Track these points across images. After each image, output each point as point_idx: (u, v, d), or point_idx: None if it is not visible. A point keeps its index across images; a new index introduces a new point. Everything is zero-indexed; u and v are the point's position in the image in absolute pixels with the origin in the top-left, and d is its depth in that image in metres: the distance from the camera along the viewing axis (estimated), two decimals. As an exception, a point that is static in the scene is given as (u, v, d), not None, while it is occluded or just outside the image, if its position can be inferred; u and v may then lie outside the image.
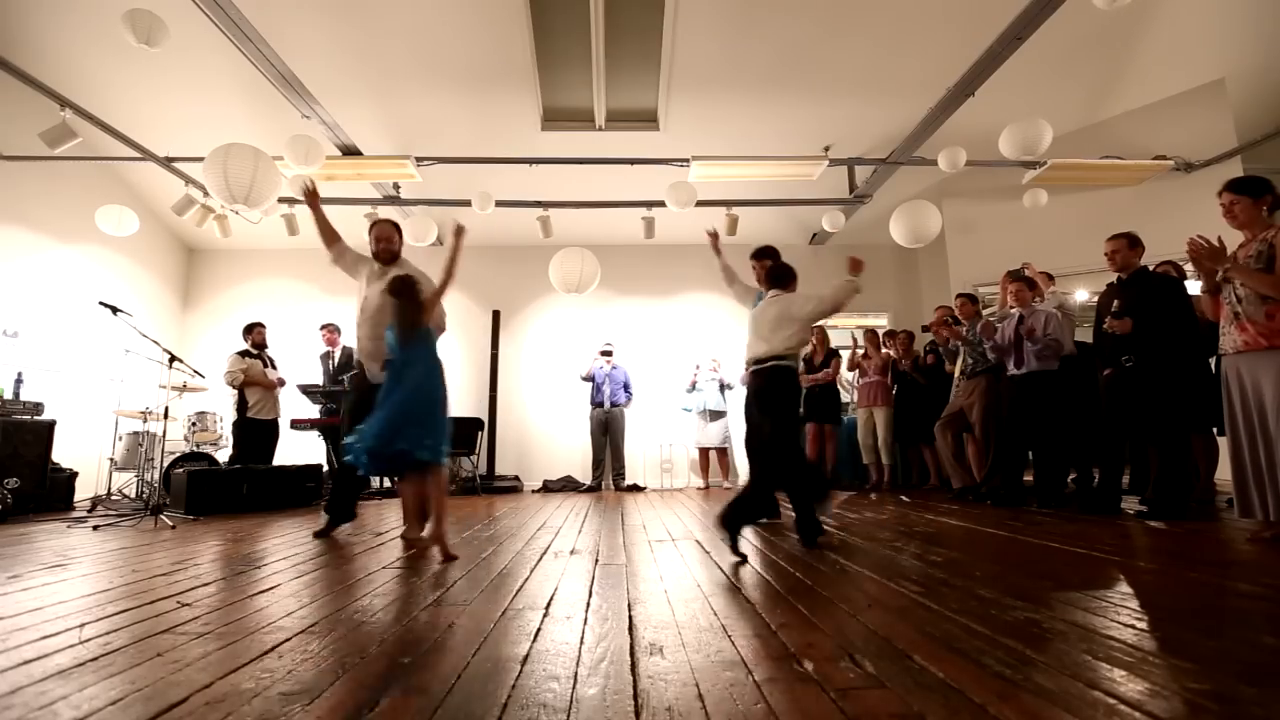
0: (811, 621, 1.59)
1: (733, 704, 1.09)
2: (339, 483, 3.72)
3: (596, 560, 2.58)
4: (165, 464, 5.14)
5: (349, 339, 7.23)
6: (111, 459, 5.78)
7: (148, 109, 5.72)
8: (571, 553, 2.78)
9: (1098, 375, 4.03)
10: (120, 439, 5.84)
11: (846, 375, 6.72)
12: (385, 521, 4.12)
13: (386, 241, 3.45)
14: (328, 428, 6.61)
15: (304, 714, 1.07)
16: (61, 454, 5.54)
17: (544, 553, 2.78)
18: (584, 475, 7.55)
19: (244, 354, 5.80)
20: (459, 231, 2.97)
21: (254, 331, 5.93)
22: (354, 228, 6.91)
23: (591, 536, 3.31)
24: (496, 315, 8.20)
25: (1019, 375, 4.32)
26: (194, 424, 5.99)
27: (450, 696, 1.14)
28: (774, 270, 3.37)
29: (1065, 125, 6.22)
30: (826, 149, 6.12)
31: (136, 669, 1.29)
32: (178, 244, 8.07)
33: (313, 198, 3.42)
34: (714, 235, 4.10)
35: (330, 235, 3.52)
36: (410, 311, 2.83)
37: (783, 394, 3.05)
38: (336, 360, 6.62)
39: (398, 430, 2.65)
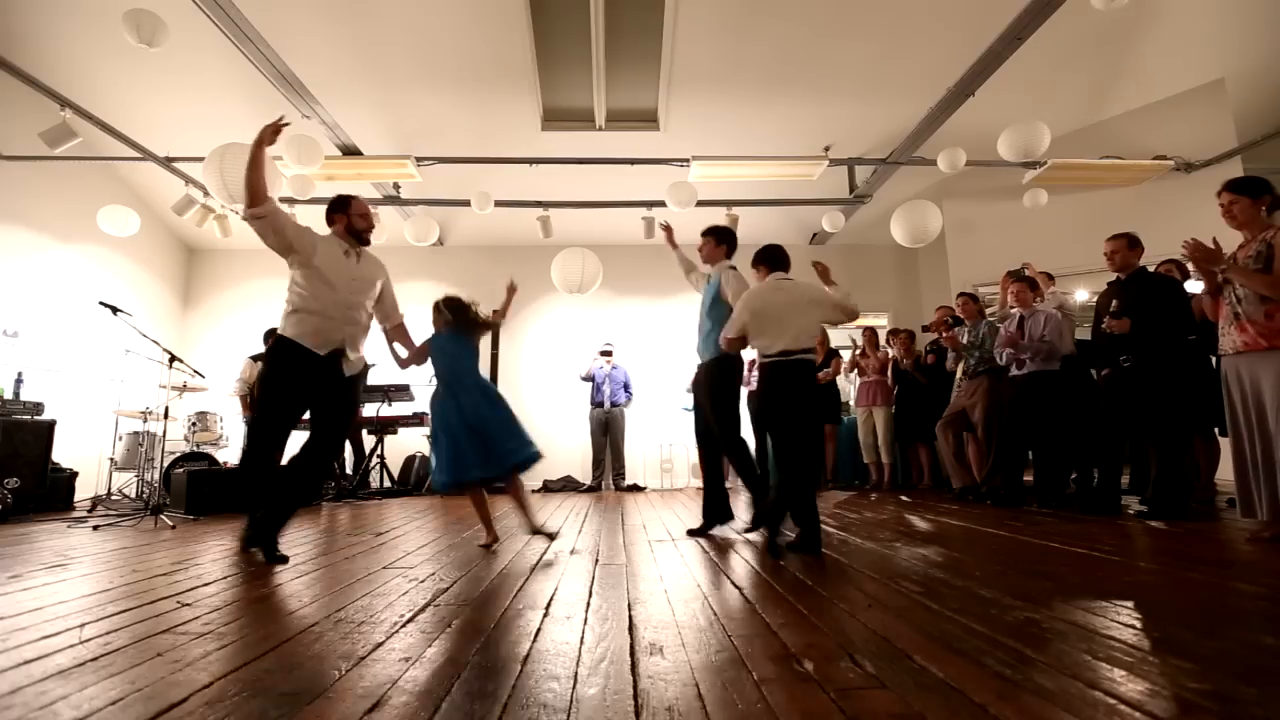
0: (811, 621, 1.59)
1: (733, 704, 1.09)
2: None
3: (596, 560, 2.58)
4: (165, 464, 5.13)
5: None
6: (112, 459, 5.78)
7: (148, 109, 5.72)
8: (571, 553, 2.78)
9: (1095, 374, 4.04)
10: (120, 439, 5.83)
11: (843, 378, 6.73)
12: (385, 521, 4.12)
13: (367, 219, 3.03)
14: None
15: (304, 714, 1.07)
16: (61, 454, 5.54)
17: (544, 553, 2.78)
18: (584, 475, 7.55)
19: (257, 358, 5.81)
20: (512, 288, 3.73)
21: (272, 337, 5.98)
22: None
23: (591, 536, 3.31)
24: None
25: (1019, 375, 4.32)
26: (194, 424, 5.99)
27: (450, 696, 1.14)
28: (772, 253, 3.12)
29: (1065, 125, 6.22)
30: (826, 149, 6.12)
31: (136, 669, 1.29)
32: (178, 244, 8.08)
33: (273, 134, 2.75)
34: (667, 229, 4.21)
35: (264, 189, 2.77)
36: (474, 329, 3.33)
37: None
38: None
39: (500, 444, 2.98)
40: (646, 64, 5.55)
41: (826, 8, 4.87)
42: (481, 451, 2.92)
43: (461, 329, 3.26)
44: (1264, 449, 2.65)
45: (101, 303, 4.19)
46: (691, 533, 3.32)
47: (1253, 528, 2.79)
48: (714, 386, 3.35)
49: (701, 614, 1.70)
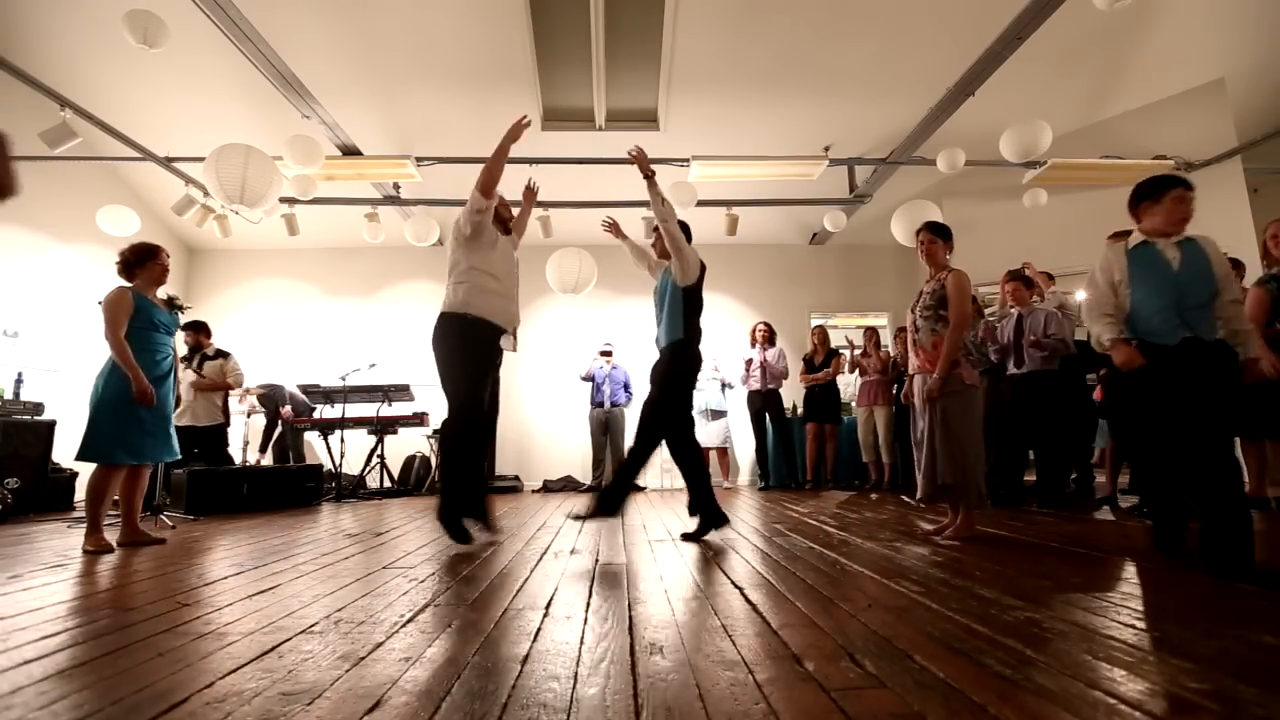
0: (812, 621, 1.59)
1: (733, 704, 1.09)
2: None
3: (596, 560, 2.58)
4: (165, 464, 5.13)
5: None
6: (111, 459, 5.76)
7: (148, 109, 5.72)
8: (571, 553, 2.78)
9: (1096, 374, 4.04)
10: (120, 439, 5.82)
11: (844, 378, 6.73)
12: (385, 521, 4.12)
13: (508, 208, 3.59)
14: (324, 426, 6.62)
15: (304, 714, 1.07)
16: (62, 454, 5.53)
17: (544, 553, 2.78)
18: (584, 475, 7.55)
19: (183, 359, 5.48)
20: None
21: (186, 334, 5.28)
22: (354, 228, 6.96)
23: (591, 536, 3.31)
24: (496, 315, 8.19)
25: (1019, 375, 4.32)
26: (194, 424, 5.98)
27: (450, 696, 1.14)
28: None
29: (1065, 125, 6.22)
30: (826, 149, 6.12)
31: (137, 669, 1.29)
32: (178, 244, 8.07)
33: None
34: (612, 224, 4.01)
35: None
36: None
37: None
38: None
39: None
40: (646, 64, 5.55)
41: (826, 8, 4.88)
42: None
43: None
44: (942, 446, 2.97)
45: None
46: (686, 537, 3.20)
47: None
48: (670, 371, 3.33)
49: (702, 614, 1.70)
